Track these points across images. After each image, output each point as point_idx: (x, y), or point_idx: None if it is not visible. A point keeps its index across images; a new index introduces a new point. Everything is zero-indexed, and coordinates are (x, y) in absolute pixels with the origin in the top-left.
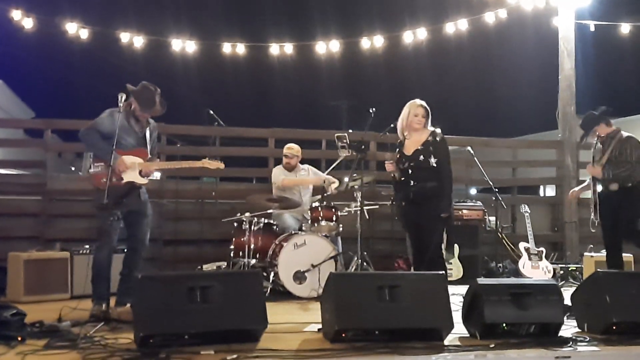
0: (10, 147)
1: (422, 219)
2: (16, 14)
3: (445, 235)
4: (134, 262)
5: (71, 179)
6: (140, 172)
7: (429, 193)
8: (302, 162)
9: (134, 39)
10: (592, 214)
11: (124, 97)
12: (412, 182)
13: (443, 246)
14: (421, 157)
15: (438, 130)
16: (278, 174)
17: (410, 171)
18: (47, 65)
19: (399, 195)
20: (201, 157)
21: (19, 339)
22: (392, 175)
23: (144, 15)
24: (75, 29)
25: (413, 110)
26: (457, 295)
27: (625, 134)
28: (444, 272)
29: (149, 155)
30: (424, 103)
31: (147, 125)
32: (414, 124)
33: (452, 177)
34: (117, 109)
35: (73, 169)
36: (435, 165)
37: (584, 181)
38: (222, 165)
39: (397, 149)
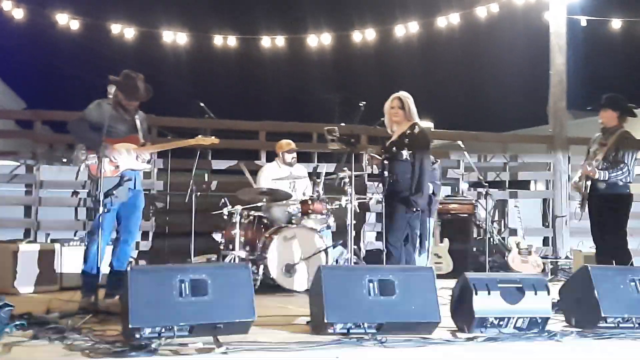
0: (0, 137)
1: (392, 211)
2: (6, 5)
3: (418, 232)
4: (124, 254)
5: (62, 171)
6: (137, 158)
7: (401, 186)
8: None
9: (124, 31)
10: (579, 206)
11: (113, 88)
12: (386, 174)
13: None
14: (394, 149)
15: (424, 124)
16: (269, 173)
17: (386, 162)
18: (38, 56)
19: (383, 188)
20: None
21: (7, 330)
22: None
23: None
24: (66, 20)
25: (389, 103)
26: (446, 289)
27: (625, 133)
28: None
29: (142, 141)
30: (400, 94)
31: (135, 112)
32: (392, 116)
33: (428, 171)
34: (106, 100)
35: (64, 160)
36: (408, 158)
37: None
38: (216, 141)
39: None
